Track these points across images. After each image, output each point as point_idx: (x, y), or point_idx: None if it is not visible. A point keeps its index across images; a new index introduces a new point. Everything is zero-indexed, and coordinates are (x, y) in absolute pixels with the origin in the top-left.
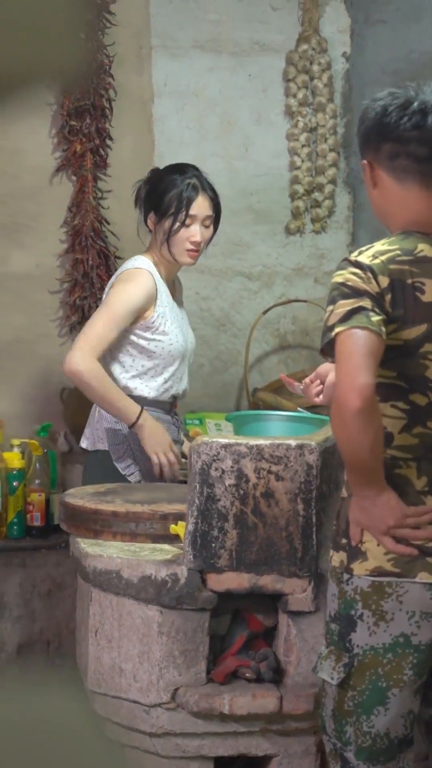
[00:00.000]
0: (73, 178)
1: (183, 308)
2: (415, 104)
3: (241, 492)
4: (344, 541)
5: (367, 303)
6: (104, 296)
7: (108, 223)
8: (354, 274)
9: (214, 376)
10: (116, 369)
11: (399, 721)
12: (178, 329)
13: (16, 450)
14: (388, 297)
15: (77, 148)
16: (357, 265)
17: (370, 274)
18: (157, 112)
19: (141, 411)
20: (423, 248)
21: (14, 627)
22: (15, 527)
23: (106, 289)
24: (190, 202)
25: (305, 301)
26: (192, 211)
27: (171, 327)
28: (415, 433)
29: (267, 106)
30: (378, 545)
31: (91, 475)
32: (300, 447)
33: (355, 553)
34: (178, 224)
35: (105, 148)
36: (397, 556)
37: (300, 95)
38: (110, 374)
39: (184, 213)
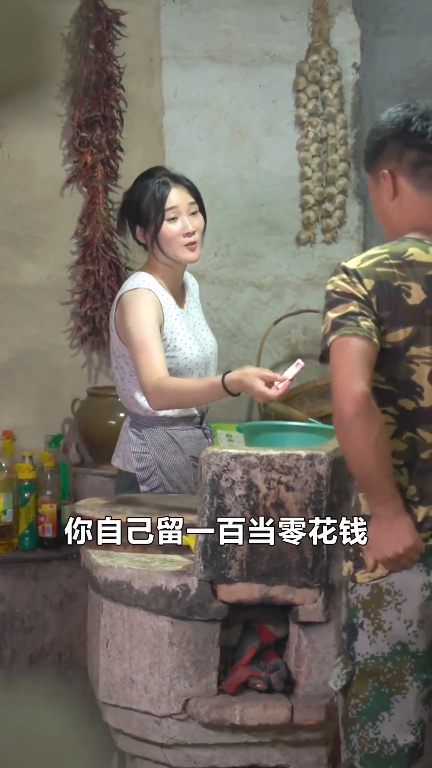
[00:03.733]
0: (84, 189)
1: (199, 310)
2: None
3: (252, 502)
4: (351, 550)
5: (355, 306)
6: (111, 322)
7: (119, 235)
8: (342, 279)
9: None
10: (138, 394)
11: (406, 728)
12: (192, 339)
13: (27, 461)
14: (374, 299)
15: (88, 159)
16: (344, 270)
17: (355, 279)
18: (168, 123)
19: (222, 379)
20: (413, 252)
21: (26, 638)
22: (27, 538)
23: (111, 312)
24: (164, 196)
25: (316, 312)
26: (171, 204)
27: (183, 339)
28: (405, 438)
29: (277, 117)
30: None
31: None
32: (310, 457)
33: (360, 563)
34: (161, 222)
35: (116, 159)
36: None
37: (310, 106)
38: (134, 401)
39: (162, 209)
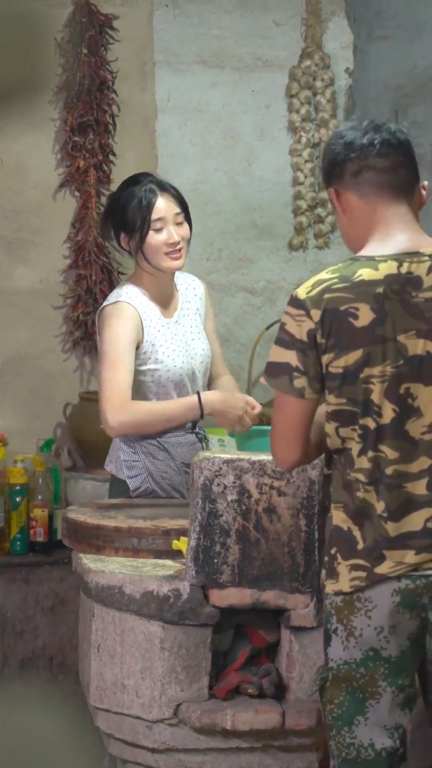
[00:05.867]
0: (77, 193)
1: (197, 317)
2: (366, 123)
3: (244, 507)
4: (326, 558)
5: (292, 359)
6: (97, 339)
7: (111, 239)
8: (289, 315)
9: None
10: None
11: (383, 732)
12: (178, 350)
13: (19, 465)
14: (320, 330)
15: (80, 163)
16: (293, 302)
17: (302, 311)
18: (160, 128)
19: (199, 400)
20: (362, 273)
21: (17, 642)
22: (18, 543)
23: (97, 331)
24: (151, 206)
25: None
26: (158, 214)
27: (167, 352)
28: (370, 457)
29: (270, 122)
30: (348, 569)
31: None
32: None
33: (331, 572)
34: (147, 231)
35: (108, 164)
36: (357, 584)
37: (303, 111)
38: None
39: (149, 219)
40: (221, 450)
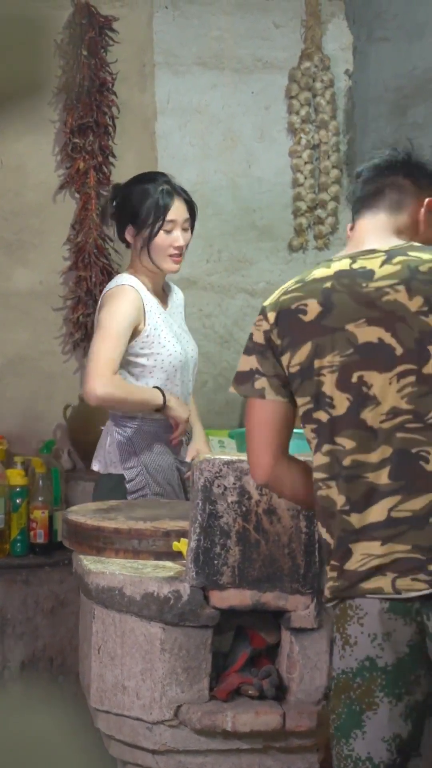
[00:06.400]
0: (77, 195)
1: (181, 317)
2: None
3: (244, 509)
4: (327, 567)
5: (254, 363)
6: (95, 320)
7: (111, 241)
8: (255, 323)
9: (217, 393)
10: None
11: (381, 746)
12: (175, 339)
13: (19, 467)
14: (275, 331)
15: (80, 165)
16: (260, 311)
17: (261, 316)
18: (160, 129)
19: (163, 394)
20: (316, 273)
21: (17, 644)
22: (18, 544)
23: (96, 313)
24: (167, 208)
25: None
26: (171, 216)
27: (167, 337)
28: (326, 451)
29: (270, 123)
30: (327, 572)
31: (102, 498)
32: None
33: (326, 580)
34: (157, 231)
35: (108, 166)
36: (332, 585)
37: (303, 112)
38: None
39: (162, 219)
40: (221, 452)
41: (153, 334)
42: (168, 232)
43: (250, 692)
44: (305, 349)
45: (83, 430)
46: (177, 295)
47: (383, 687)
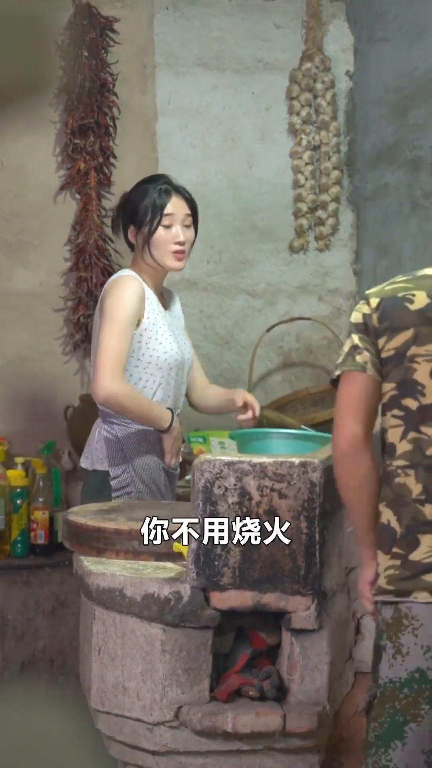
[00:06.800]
0: (77, 196)
1: (181, 324)
2: None
3: (245, 510)
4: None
5: (356, 339)
6: (96, 312)
7: (112, 241)
8: (355, 309)
9: None
10: None
11: (420, 757)
12: (172, 337)
13: (20, 468)
14: (375, 315)
15: (81, 166)
16: (362, 297)
17: (363, 301)
18: (161, 130)
19: (172, 416)
20: (427, 270)
21: (18, 645)
22: (19, 545)
23: (98, 307)
24: (164, 203)
25: (309, 319)
26: (168, 210)
27: (165, 335)
28: (410, 438)
29: (270, 124)
30: (386, 560)
31: (88, 494)
32: (303, 465)
33: (376, 577)
34: (156, 226)
35: (109, 166)
36: (391, 573)
37: (303, 113)
38: None
39: (160, 214)
40: (222, 452)
41: (151, 329)
42: (167, 227)
43: (250, 693)
44: (405, 335)
45: (84, 431)
46: (176, 305)
47: (430, 700)
